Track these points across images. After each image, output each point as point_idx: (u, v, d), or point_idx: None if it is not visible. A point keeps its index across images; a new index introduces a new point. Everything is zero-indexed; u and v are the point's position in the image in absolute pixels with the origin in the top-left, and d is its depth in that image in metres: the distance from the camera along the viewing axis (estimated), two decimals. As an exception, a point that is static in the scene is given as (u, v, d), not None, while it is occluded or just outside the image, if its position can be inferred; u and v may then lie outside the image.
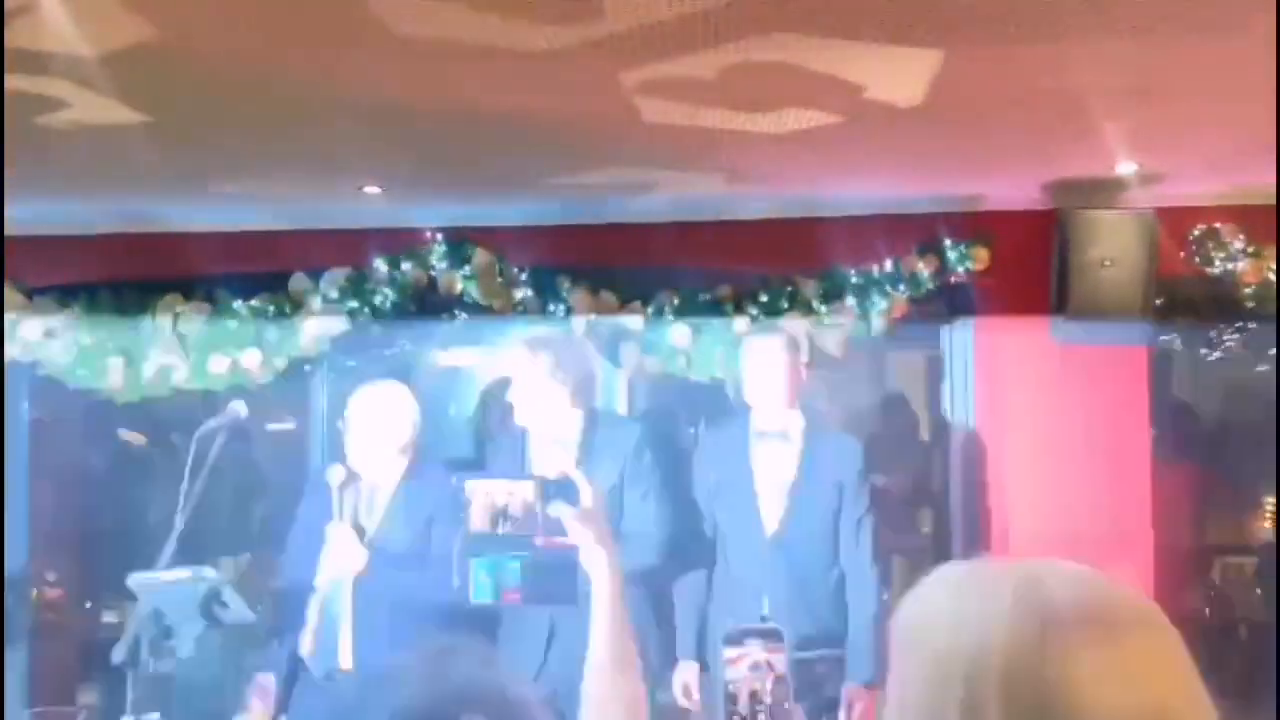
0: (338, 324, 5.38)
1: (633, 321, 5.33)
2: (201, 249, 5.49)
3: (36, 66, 3.23)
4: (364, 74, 3.40)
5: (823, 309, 5.29)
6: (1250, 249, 5.18)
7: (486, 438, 7.43)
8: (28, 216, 5.07)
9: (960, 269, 5.31)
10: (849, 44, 3.18)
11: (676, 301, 5.35)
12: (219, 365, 5.38)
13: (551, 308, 5.32)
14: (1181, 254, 5.19)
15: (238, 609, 3.62)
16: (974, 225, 5.34)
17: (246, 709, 4.22)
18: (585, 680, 1.98)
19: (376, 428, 4.20)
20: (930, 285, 5.33)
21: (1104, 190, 4.98)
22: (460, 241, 5.36)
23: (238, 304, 5.42)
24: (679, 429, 6.43)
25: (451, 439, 6.54)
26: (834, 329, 5.30)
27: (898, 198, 5.24)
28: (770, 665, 2.88)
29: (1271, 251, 5.13)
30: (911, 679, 1.12)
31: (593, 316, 5.30)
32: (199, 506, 4.00)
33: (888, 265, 5.32)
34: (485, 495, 2.35)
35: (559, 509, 2.12)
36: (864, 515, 4.25)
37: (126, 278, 5.56)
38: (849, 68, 3.38)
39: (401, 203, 5.26)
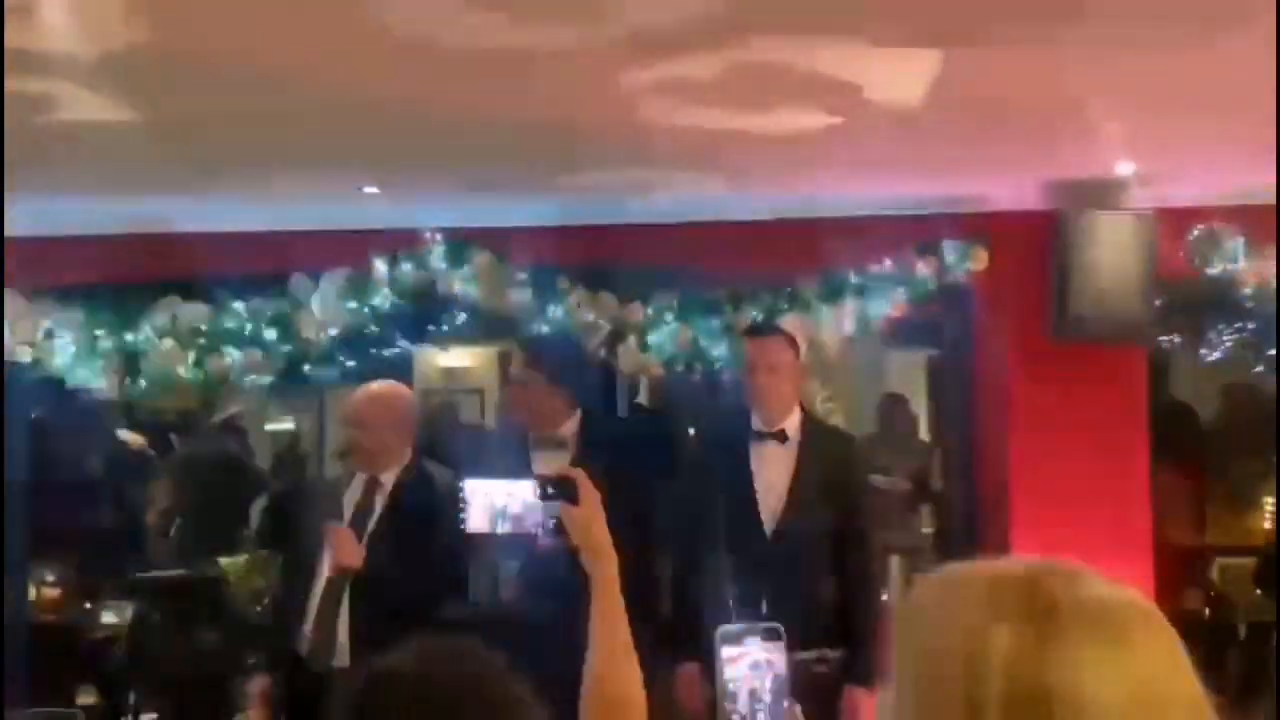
0: (337, 324, 5.38)
1: (633, 321, 5.33)
2: (201, 249, 5.49)
3: (36, 66, 3.23)
4: (364, 74, 3.40)
5: (823, 309, 5.30)
6: (1250, 249, 5.18)
7: (486, 437, 7.44)
8: (28, 216, 5.07)
9: (960, 269, 5.31)
10: (849, 44, 3.18)
11: (676, 301, 5.35)
12: (218, 366, 5.38)
13: (551, 308, 5.32)
14: (1181, 254, 5.19)
15: None
16: (974, 226, 5.34)
17: (246, 709, 4.22)
18: (584, 680, 1.98)
19: (376, 427, 4.20)
20: (930, 285, 5.33)
21: (1104, 191, 4.98)
22: (460, 242, 5.36)
23: (237, 304, 5.42)
24: (678, 429, 6.43)
25: (451, 439, 6.54)
26: (834, 329, 5.30)
27: (897, 198, 5.25)
28: (769, 664, 2.89)
29: (1271, 251, 5.13)
30: (911, 679, 1.12)
31: (592, 317, 5.30)
32: (198, 506, 4.01)
33: (887, 265, 5.32)
34: (485, 495, 2.35)
35: (558, 509, 2.12)
36: (863, 515, 4.25)
37: (126, 278, 5.56)
38: (849, 68, 3.38)
39: (401, 203, 5.26)
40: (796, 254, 5.37)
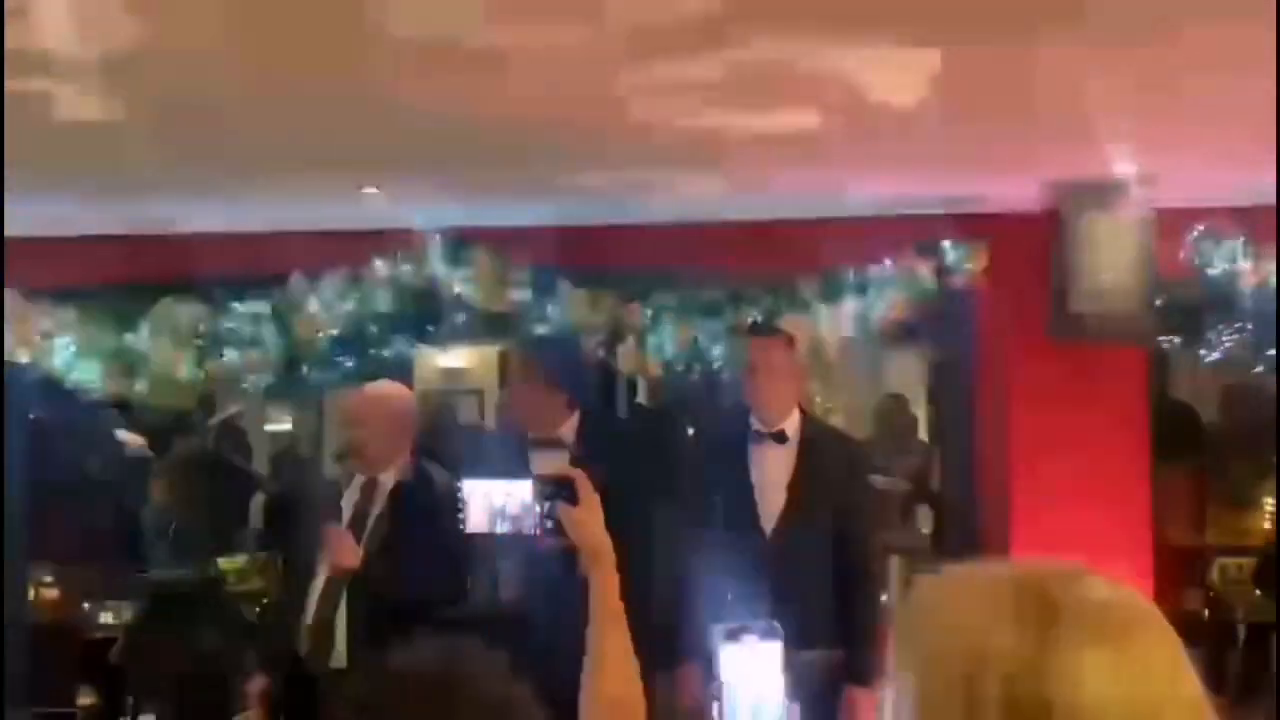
0: (336, 325, 5.37)
1: (632, 322, 5.33)
2: (200, 249, 5.49)
3: (36, 66, 3.23)
4: (364, 74, 3.40)
5: (822, 309, 5.29)
6: (1250, 249, 5.17)
7: (485, 438, 7.45)
8: (27, 216, 5.06)
9: (960, 269, 5.31)
10: (849, 44, 3.18)
11: (676, 301, 5.35)
12: (217, 366, 5.37)
13: (551, 308, 5.31)
14: (1181, 254, 5.19)
15: None
16: (974, 226, 5.34)
17: (245, 709, 4.22)
18: (584, 680, 1.98)
19: (375, 428, 4.20)
20: (930, 286, 5.32)
21: (1103, 191, 4.98)
22: (460, 242, 5.35)
23: (236, 305, 5.41)
24: (678, 429, 6.43)
25: (450, 439, 6.54)
26: (834, 329, 5.30)
27: (897, 198, 5.24)
28: (769, 664, 2.88)
29: (1271, 251, 5.13)
30: (911, 680, 1.11)
31: (592, 317, 5.30)
32: (197, 507, 4.01)
33: (887, 265, 5.31)
34: (484, 495, 2.35)
35: (558, 509, 2.12)
36: (863, 515, 4.24)
37: (125, 278, 5.55)
38: (849, 68, 3.38)
39: (401, 203, 5.26)
40: (796, 254, 5.36)
